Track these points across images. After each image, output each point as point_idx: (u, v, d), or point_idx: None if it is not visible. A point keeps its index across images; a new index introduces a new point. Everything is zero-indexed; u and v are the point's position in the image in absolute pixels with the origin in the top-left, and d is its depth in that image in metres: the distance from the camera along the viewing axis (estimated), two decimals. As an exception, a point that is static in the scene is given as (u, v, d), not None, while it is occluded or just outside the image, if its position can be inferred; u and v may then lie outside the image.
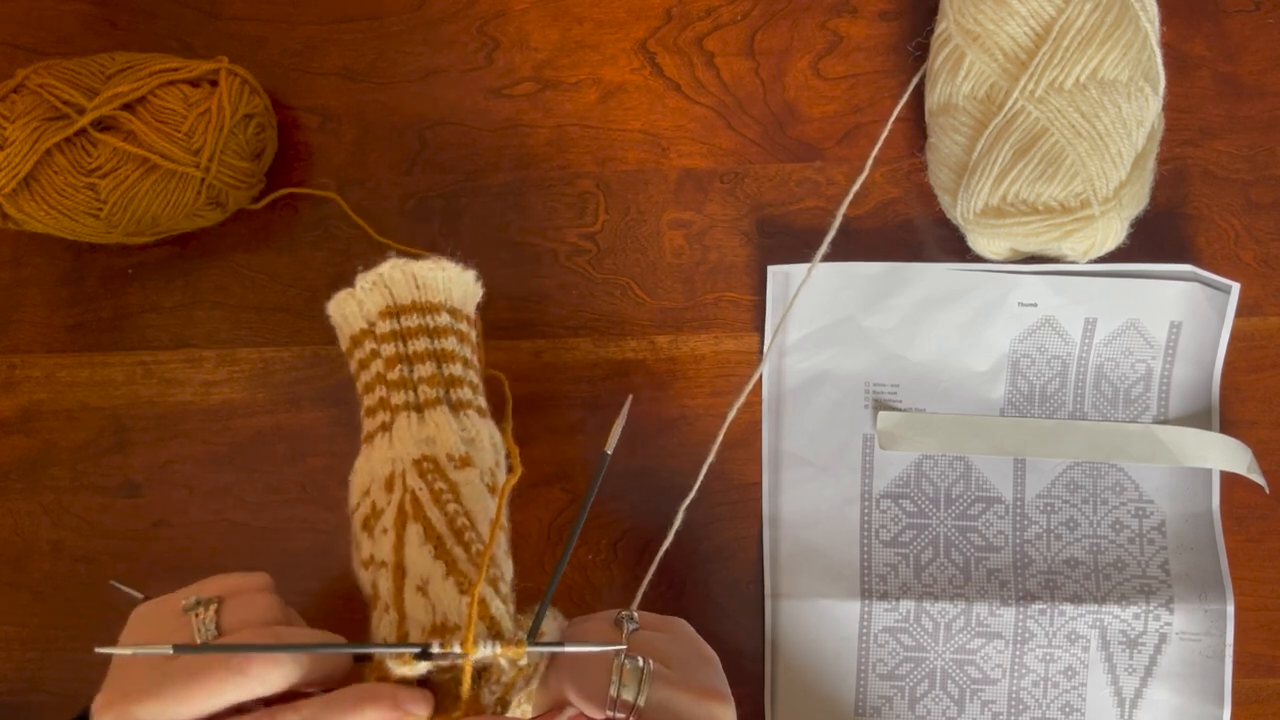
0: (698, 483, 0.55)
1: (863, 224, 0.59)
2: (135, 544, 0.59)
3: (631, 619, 0.46)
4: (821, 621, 0.57)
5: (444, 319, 0.48)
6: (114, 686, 0.39)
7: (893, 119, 0.59)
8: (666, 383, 0.59)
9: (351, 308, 0.48)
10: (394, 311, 0.47)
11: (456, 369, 0.48)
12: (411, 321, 0.47)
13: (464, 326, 0.50)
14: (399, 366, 0.47)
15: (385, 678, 0.40)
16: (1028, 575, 0.57)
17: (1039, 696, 0.57)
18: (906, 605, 0.57)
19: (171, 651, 0.37)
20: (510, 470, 0.47)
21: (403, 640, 0.41)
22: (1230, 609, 0.55)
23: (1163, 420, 0.58)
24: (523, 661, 0.41)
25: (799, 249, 0.59)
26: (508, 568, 0.45)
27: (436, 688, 0.41)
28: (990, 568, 0.57)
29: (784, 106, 0.60)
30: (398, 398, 0.46)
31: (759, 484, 0.58)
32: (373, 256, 0.59)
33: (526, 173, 0.60)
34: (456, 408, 0.47)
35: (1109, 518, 0.58)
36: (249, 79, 0.57)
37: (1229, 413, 0.58)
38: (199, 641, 0.38)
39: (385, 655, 0.40)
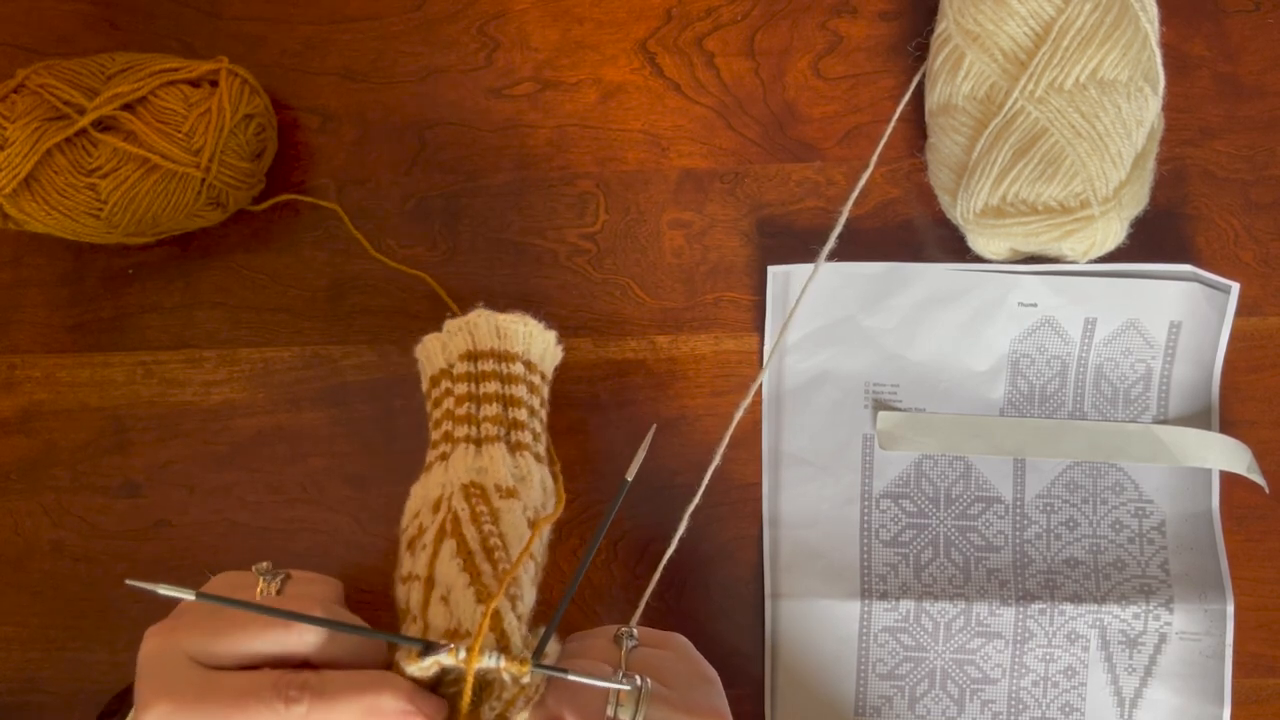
0: (703, 486, 0.55)
1: (863, 224, 0.59)
2: (135, 544, 0.59)
3: (631, 636, 0.46)
4: (821, 621, 0.57)
5: (518, 368, 0.50)
6: (169, 620, 0.41)
7: (894, 119, 0.59)
8: (666, 383, 0.59)
9: (435, 348, 0.51)
10: (473, 355, 0.50)
11: (521, 414, 0.50)
12: (487, 365, 0.50)
13: (536, 379, 0.51)
14: (467, 404, 0.49)
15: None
16: (1027, 575, 0.57)
17: (1039, 696, 0.57)
18: (906, 605, 0.57)
19: (194, 598, 0.39)
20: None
21: None
22: (1230, 609, 0.55)
23: (1163, 420, 0.58)
24: (525, 679, 0.41)
25: (799, 249, 0.59)
26: (530, 594, 0.45)
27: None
28: (990, 567, 0.57)
29: (784, 106, 0.60)
30: (460, 431, 0.48)
31: (759, 484, 0.58)
32: (373, 258, 0.60)
33: (526, 173, 0.60)
34: (514, 448, 0.49)
35: (1109, 518, 0.58)
36: (249, 79, 0.57)
37: (1229, 413, 0.58)
38: (259, 600, 0.41)
39: (400, 658, 0.40)
